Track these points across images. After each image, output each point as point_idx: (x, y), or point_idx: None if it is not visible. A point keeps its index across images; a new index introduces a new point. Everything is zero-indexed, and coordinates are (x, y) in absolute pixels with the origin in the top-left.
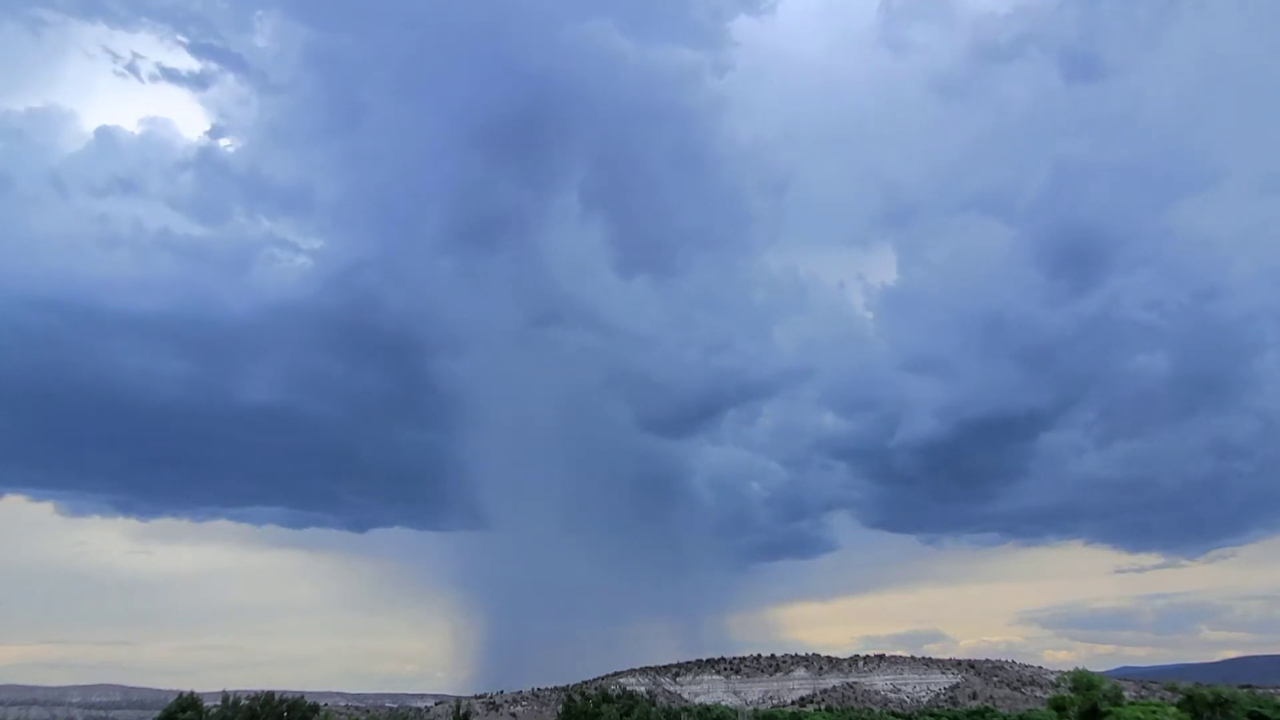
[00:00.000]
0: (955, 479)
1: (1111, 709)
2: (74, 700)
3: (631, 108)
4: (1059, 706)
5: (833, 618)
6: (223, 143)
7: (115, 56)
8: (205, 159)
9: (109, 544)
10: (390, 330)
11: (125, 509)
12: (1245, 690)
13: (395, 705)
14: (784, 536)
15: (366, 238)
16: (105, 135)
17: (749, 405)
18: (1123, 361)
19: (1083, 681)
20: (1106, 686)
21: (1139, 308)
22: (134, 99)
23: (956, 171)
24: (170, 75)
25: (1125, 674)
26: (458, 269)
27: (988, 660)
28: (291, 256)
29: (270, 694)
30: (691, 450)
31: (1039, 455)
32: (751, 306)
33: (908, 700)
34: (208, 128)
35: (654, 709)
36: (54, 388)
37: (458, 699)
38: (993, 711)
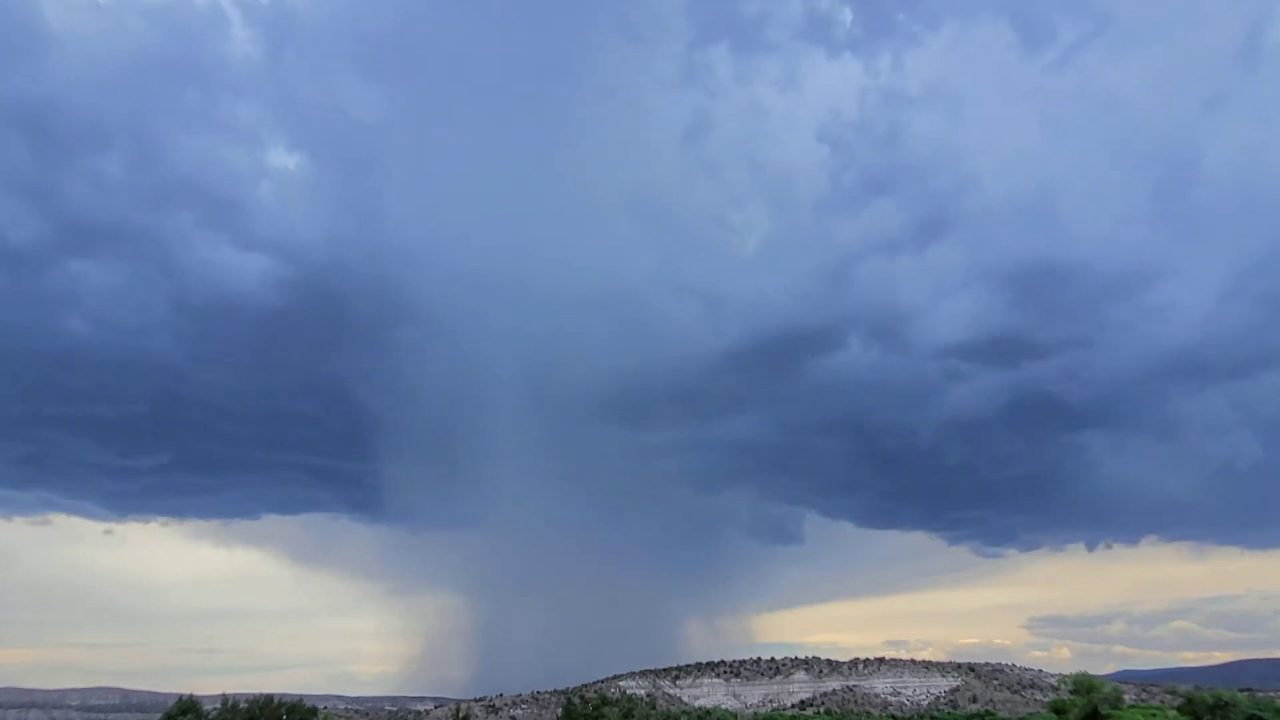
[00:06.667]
0: None
1: (1112, 712)
2: (73, 703)
3: None
4: (1059, 709)
5: (834, 620)
6: None
7: None
8: None
9: (109, 545)
10: None
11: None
12: (1245, 693)
13: (395, 708)
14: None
15: None
16: None
17: None
18: None
19: (1083, 684)
20: (1107, 689)
21: None
22: None
23: None
24: None
25: (1126, 677)
26: None
27: (988, 663)
28: None
29: (269, 697)
30: None
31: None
32: None
33: (908, 703)
34: None
35: (653, 712)
36: None
37: (457, 702)
38: (993, 715)
